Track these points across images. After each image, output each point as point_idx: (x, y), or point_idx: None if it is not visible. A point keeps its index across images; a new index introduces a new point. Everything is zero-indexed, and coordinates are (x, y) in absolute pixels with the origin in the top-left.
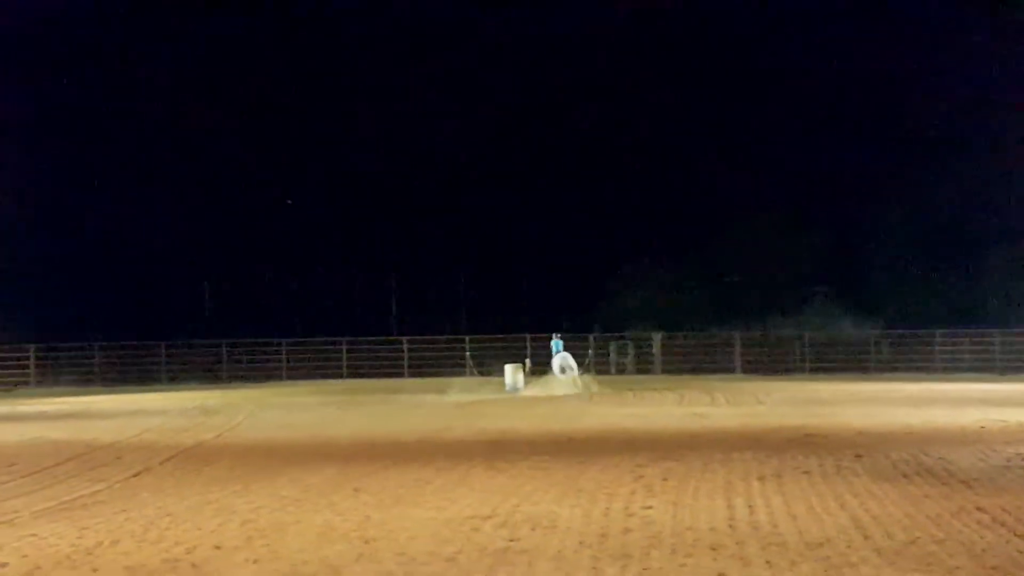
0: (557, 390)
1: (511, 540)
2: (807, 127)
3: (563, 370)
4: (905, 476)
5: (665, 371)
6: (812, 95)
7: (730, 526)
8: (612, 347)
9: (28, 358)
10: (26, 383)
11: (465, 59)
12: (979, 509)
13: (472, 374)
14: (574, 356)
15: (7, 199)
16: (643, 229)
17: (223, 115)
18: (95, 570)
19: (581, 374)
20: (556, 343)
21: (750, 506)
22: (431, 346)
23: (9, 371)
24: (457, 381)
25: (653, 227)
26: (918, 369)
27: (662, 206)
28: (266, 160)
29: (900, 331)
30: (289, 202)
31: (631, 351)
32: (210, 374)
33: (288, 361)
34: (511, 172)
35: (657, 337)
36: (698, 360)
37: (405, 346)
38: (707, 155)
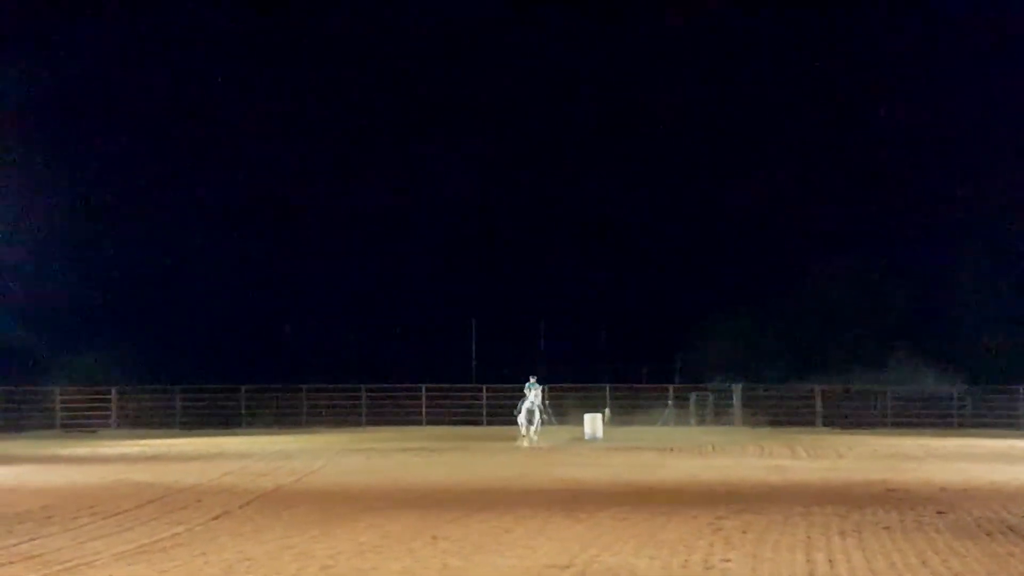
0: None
1: None
2: (896, 174)
3: (531, 413)
4: (988, 534)
5: (745, 423)
6: (902, 140)
7: None
8: (692, 398)
9: (110, 400)
10: (107, 425)
11: (552, 111)
12: None
13: (550, 422)
14: (652, 406)
15: (86, 242)
16: (724, 279)
17: (300, 157)
18: None
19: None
20: (531, 386)
21: (830, 561)
22: (510, 394)
23: (91, 413)
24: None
25: (734, 277)
26: (1002, 425)
27: (744, 256)
28: (348, 203)
29: (984, 386)
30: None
31: (711, 402)
32: (289, 419)
33: (368, 407)
34: (592, 222)
35: (737, 388)
36: (778, 412)
37: (484, 393)
38: (791, 205)
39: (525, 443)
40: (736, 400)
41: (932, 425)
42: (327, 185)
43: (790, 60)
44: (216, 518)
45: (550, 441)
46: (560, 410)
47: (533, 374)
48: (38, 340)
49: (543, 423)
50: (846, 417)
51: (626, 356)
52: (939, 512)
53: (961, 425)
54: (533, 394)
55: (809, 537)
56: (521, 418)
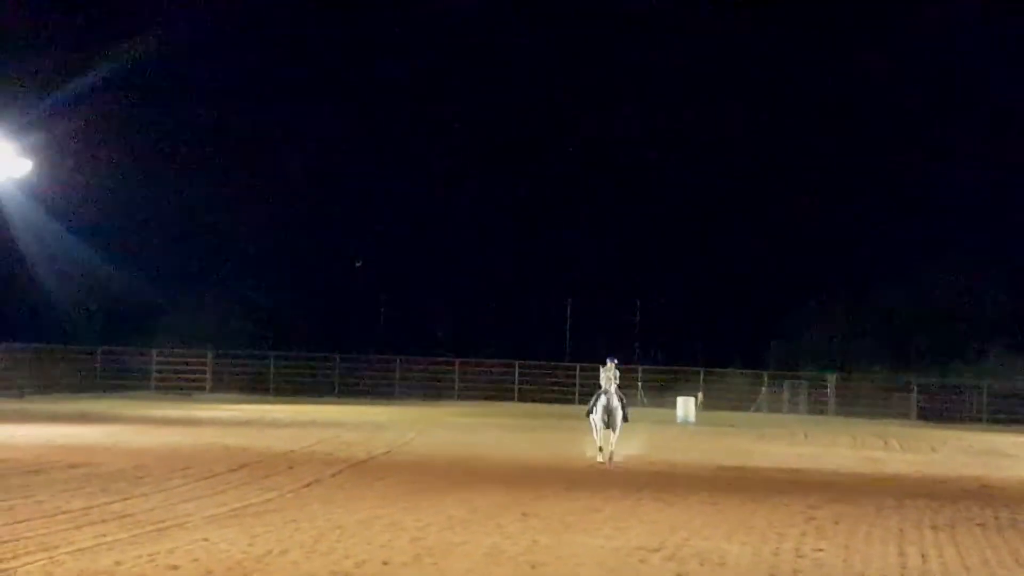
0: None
1: (678, 574)
2: (998, 167)
3: (608, 414)
4: None
5: (838, 413)
6: (992, 135)
7: (902, 575)
8: (786, 386)
9: (205, 364)
10: (202, 388)
11: (649, 100)
12: None
13: (644, 404)
14: (744, 392)
15: (189, 206)
16: (823, 268)
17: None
18: None
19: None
20: (608, 371)
21: (923, 555)
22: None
23: (186, 376)
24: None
25: (833, 266)
26: None
27: (841, 244)
28: (442, 180)
29: None
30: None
31: (805, 391)
32: (382, 389)
33: (460, 381)
34: (692, 204)
35: (832, 378)
36: (873, 403)
37: (577, 372)
38: (895, 195)
39: (600, 457)
40: (830, 390)
41: None
42: (426, 164)
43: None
44: (307, 485)
45: (641, 425)
46: (654, 392)
47: (612, 356)
48: (137, 302)
49: (626, 420)
50: (941, 411)
51: (721, 341)
52: None
53: None
54: (610, 383)
55: (902, 530)
56: (596, 418)
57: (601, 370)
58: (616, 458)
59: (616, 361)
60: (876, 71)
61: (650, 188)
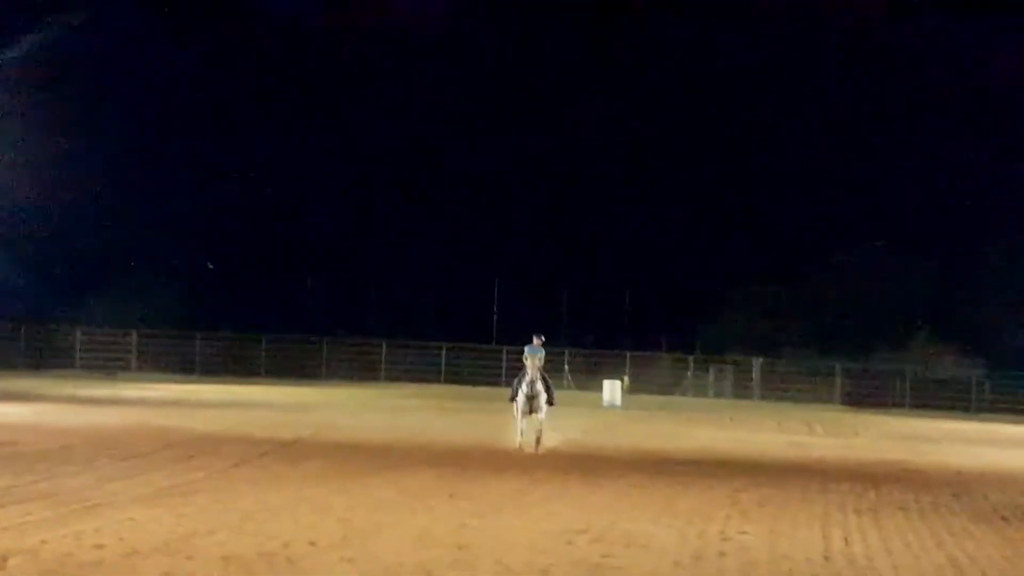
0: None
1: (605, 556)
2: (922, 157)
3: (531, 397)
4: (1004, 519)
5: (764, 397)
6: (930, 124)
7: (826, 558)
8: (712, 370)
9: (130, 342)
10: (127, 368)
11: (599, 84)
12: None
13: (570, 387)
14: (671, 376)
15: (112, 184)
16: (749, 254)
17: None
18: (190, 558)
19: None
20: (533, 349)
21: (846, 539)
22: None
23: (111, 355)
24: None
25: (759, 252)
26: (1021, 411)
27: (770, 232)
28: (372, 160)
29: (1004, 372)
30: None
31: (730, 375)
32: (309, 370)
33: (387, 363)
34: (620, 187)
35: (757, 363)
36: (798, 388)
37: (504, 354)
38: (819, 183)
39: (519, 441)
40: (756, 374)
41: (951, 408)
42: (356, 143)
43: (833, 28)
44: (234, 466)
45: (568, 408)
46: (580, 376)
47: (539, 333)
48: (60, 280)
49: (551, 403)
50: (865, 396)
51: (647, 325)
52: (955, 495)
53: (979, 410)
54: (533, 364)
55: (826, 513)
56: (519, 402)
57: (526, 349)
58: (546, 442)
59: (543, 339)
60: (797, 51)
61: (579, 170)
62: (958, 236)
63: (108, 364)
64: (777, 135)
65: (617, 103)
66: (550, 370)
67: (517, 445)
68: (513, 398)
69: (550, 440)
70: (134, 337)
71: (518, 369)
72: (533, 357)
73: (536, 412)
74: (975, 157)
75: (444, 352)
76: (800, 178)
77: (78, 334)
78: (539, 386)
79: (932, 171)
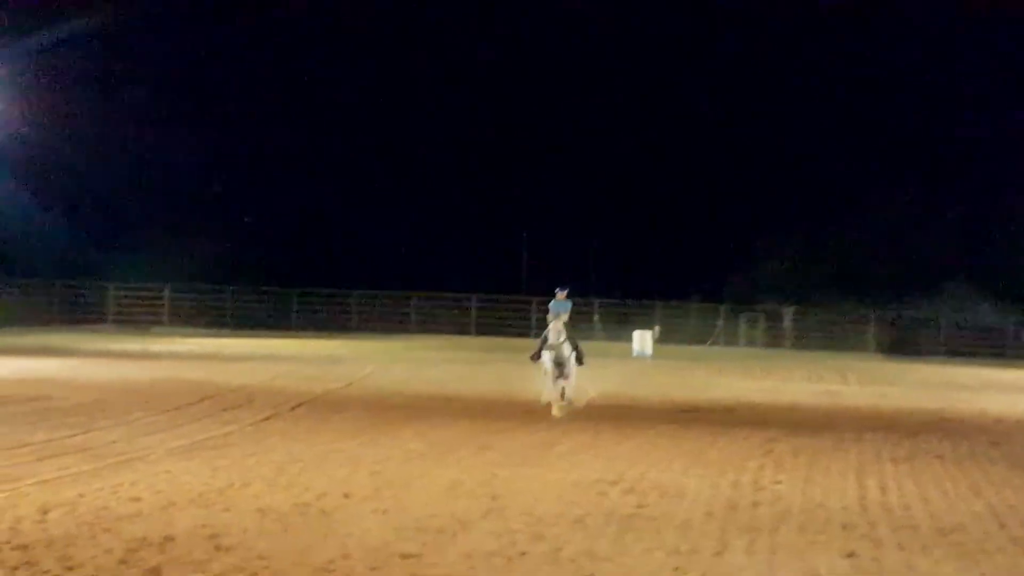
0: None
1: (638, 506)
2: (956, 103)
3: (559, 364)
4: None
5: (795, 346)
6: (966, 71)
7: (861, 506)
8: (742, 319)
9: (163, 298)
10: (159, 322)
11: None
12: None
13: (600, 336)
14: (701, 325)
15: (147, 141)
16: (780, 201)
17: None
18: (227, 510)
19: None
20: (558, 304)
21: (882, 488)
22: None
23: (144, 310)
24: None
25: (790, 199)
26: None
27: (801, 178)
28: (398, 114)
29: None
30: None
31: (761, 324)
32: (340, 323)
33: (416, 314)
34: (650, 139)
35: (789, 311)
36: (830, 337)
37: (534, 306)
38: (851, 128)
39: (546, 398)
40: (787, 323)
41: (986, 355)
42: (380, 98)
43: None
44: (267, 419)
45: (598, 359)
46: (610, 326)
47: (562, 286)
48: (93, 237)
49: (580, 363)
50: (899, 344)
51: (678, 274)
52: (993, 443)
53: (1016, 356)
54: (556, 327)
55: (861, 463)
56: (546, 361)
57: (551, 306)
58: (576, 403)
59: (567, 291)
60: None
61: (607, 122)
62: (991, 180)
63: (141, 319)
64: (808, 80)
65: (645, 51)
66: (580, 321)
67: (544, 401)
68: (535, 357)
69: (580, 401)
70: (167, 292)
71: (548, 321)
72: (558, 317)
73: (566, 378)
74: (1013, 99)
75: (474, 303)
76: (829, 122)
77: (111, 290)
78: (566, 351)
79: (965, 111)
